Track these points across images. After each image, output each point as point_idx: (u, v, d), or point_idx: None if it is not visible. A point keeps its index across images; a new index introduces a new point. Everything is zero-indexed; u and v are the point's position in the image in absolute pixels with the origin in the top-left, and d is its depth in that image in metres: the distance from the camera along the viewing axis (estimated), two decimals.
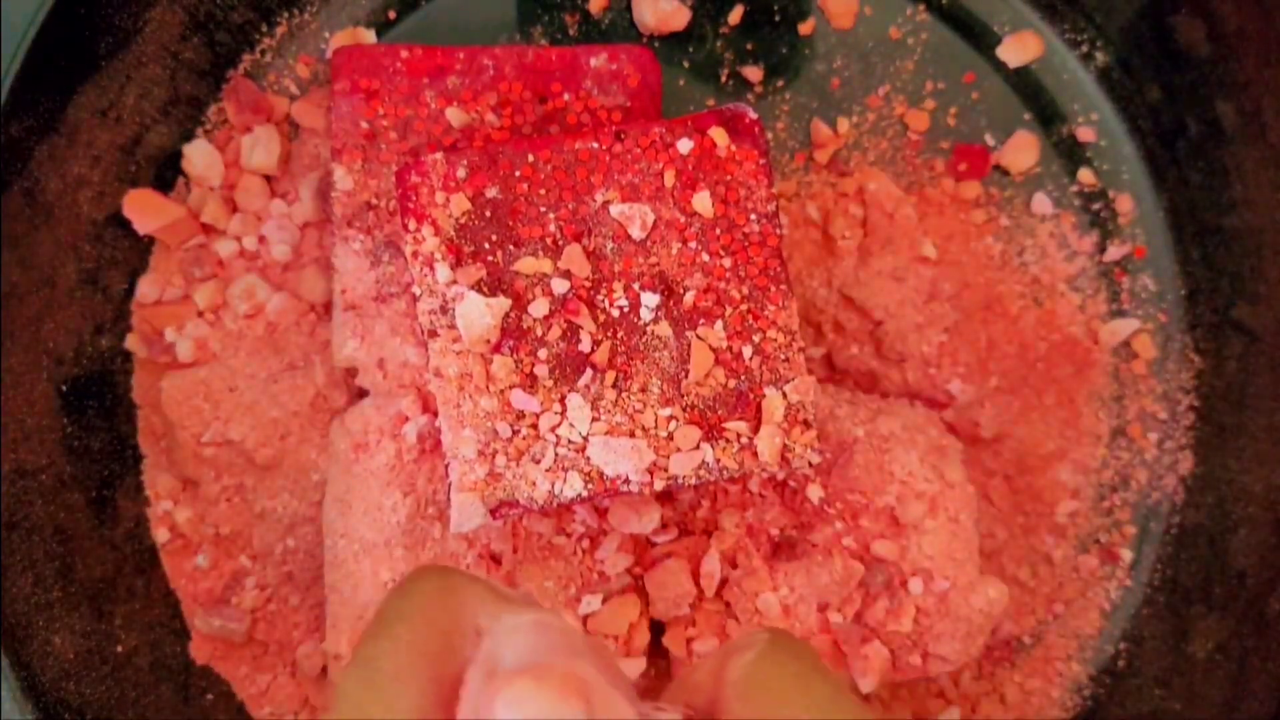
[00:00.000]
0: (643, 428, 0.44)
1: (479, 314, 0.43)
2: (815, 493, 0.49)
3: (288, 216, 0.53)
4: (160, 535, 0.53)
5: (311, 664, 0.52)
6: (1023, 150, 0.56)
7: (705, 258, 0.45)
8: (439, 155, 0.45)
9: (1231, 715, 0.50)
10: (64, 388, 0.51)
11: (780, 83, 0.56)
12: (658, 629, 0.50)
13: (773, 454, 0.44)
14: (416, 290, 0.44)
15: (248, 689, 0.52)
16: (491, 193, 0.45)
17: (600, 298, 0.44)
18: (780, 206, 0.47)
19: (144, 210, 0.52)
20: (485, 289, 0.44)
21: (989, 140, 0.57)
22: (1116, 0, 0.55)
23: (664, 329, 0.44)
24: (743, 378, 0.44)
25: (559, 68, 0.51)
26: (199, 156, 0.53)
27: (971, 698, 0.54)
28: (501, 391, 0.44)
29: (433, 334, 0.44)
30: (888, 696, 0.53)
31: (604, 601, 0.49)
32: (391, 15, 0.56)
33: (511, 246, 0.44)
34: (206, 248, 0.53)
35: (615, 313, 0.44)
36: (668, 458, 0.44)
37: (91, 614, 0.50)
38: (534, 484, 0.43)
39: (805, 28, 0.56)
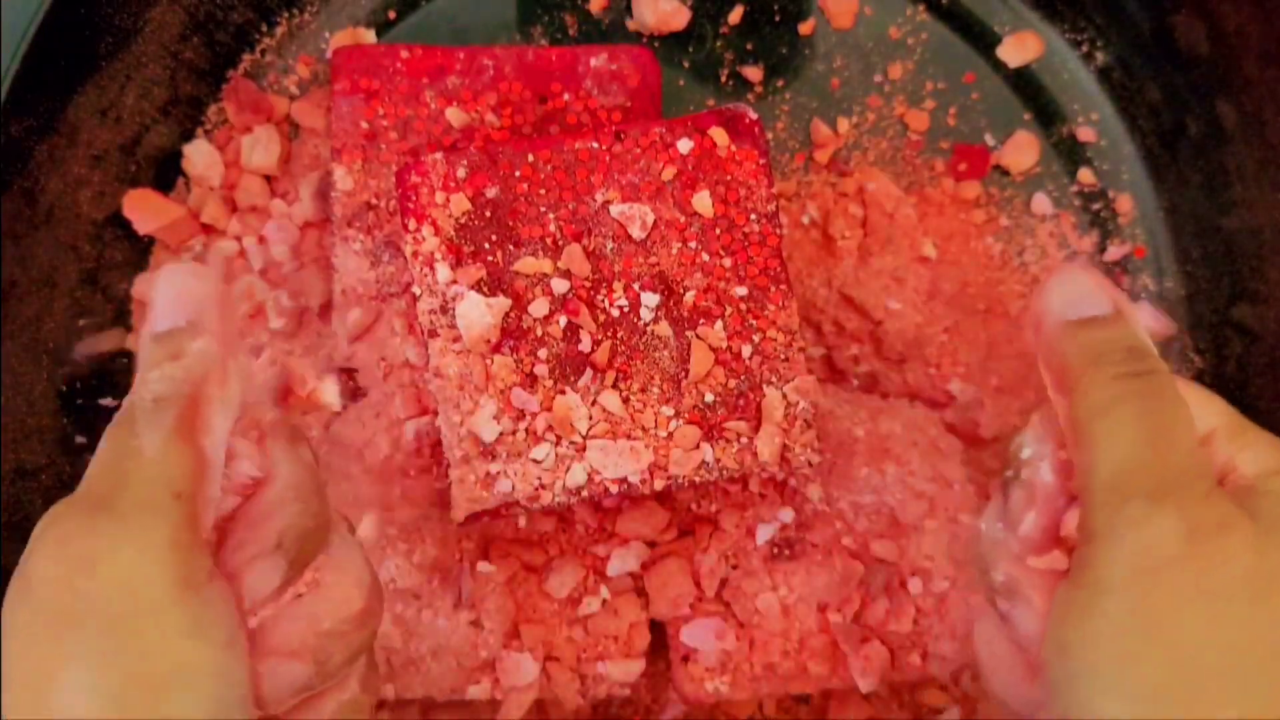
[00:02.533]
0: (642, 427, 0.44)
1: (479, 314, 0.43)
2: (815, 493, 0.49)
3: (288, 216, 0.53)
4: None
5: None
6: (1023, 150, 0.56)
7: (705, 258, 0.45)
8: (439, 155, 0.45)
9: None
10: (64, 388, 0.51)
11: (780, 83, 0.56)
12: (658, 629, 0.50)
13: (773, 454, 0.44)
14: (416, 290, 0.44)
15: None
16: (491, 193, 0.45)
17: (600, 298, 0.44)
18: (780, 206, 0.47)
19: (144, 210, 0.52)
20: (485, 289, 0.44)
21: (989, 140, 0.57)
22: (1116, 0, 0.55)
23: (664, 329, 0.44)
24: (743, 377, 0.44)
25: (559, 68, 0.51)
26: (199, 156, 0.53)
27: (972, 698, 0.53)
28: (501, 391, 0.44)
29: (433, 334, 0.44)
30: (887, 696, 0.53)
31: (604, 602, 0.49)
32: (391, 15, 0.56)
33: (511, 246, 0.44)
34: (207, 248, 0.53)
35: (615, 312, 0.44)
36: (667, 457, 0.44)
37: None
38: (534, 483, 0.43)
39: (805, 28, 0.56)
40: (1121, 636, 0.26)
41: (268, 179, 0.54)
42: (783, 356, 0.45)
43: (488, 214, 0.45)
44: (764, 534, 0.49)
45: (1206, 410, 0.31)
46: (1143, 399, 0.29)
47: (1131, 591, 0.26)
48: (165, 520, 0.28)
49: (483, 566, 0.48)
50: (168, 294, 0.32)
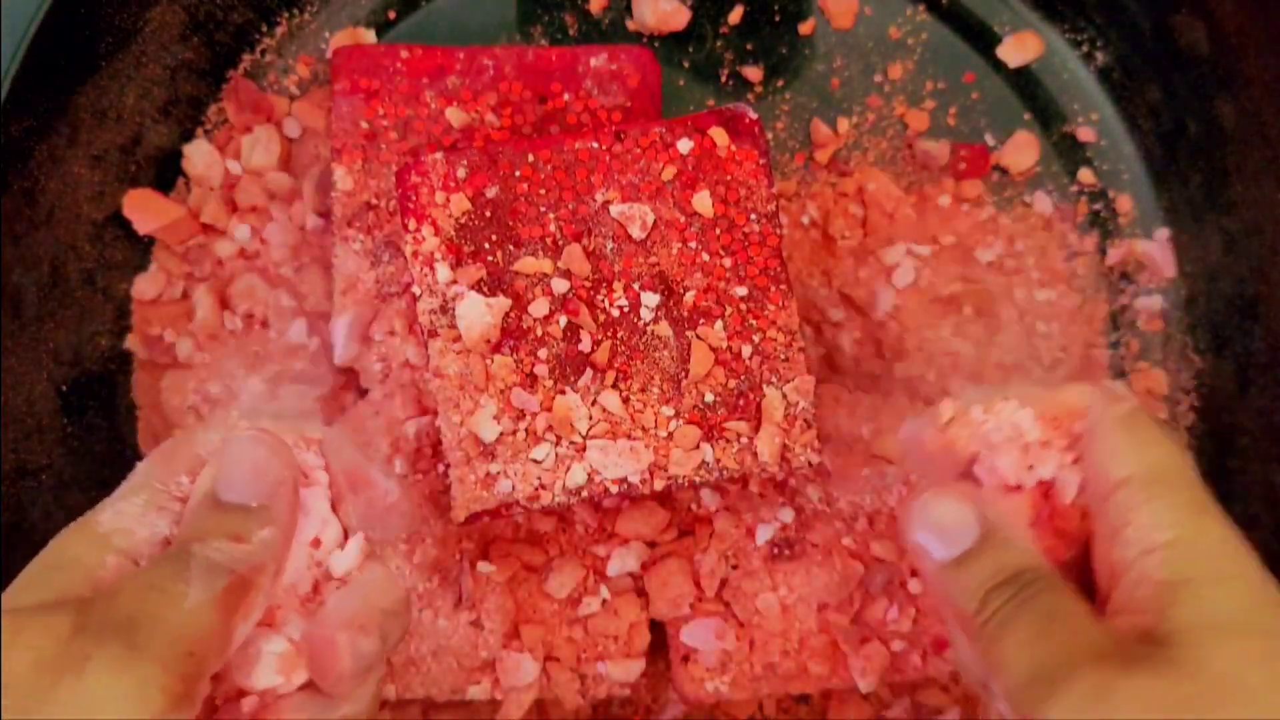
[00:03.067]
0: (642, 428, 0.44)
1: (479, 314, 0.43)
2: (815, 493, 0.49)
3: (288, 217, 0.53)
4: None
5: None
6: (1023, 150, 0.56)
7: (705, 257, 0.45)
8: (439, 155, 0.45)
9: None
10: (64, 388, 0.51)
11: (780, 83, 0.56)
12: (658, 629, 0.50)
13: (773, 454, 0.44)
14: (416, 290, 0.44)
15: None
16: (491, 193, 0.45)
17: (600, 297, 0.44)
18: (780, 206, 0.47)
19: (144, 210, 0.52)
20: (485, 289, 0.44)
21: (989, 140, 0.57)
22: (1116, 0, 0.55)
23: (664, 329, 0.44)
24: (743, 377, 0.44)
25: (559, 68, 0.51)
26: (199, 156, 0.53)
27: (972, 697, 0.54)
28: (501, 391, 0.44)
29: (433, 334, 0.44)
30: (888, 696, 0.53)
31: (604, 602, 0.49)
32: (391, 15, 0.56)
33: (511, 246, 0.44)
34: (206, 248, 0.53)
35: (615, 312, 0.44)
36: (667, 457, 0.44)
37: None
38: (534, 483, 0.43)
39: (805, 28, 0.56)
40: None
41: None
42: (783, 356, 0.45)
43: (488, 214, 0.45)
44: (764, 534, 0.49)
45: (1132, 455, 0.32)
46: (1029, 605, 0.30)
47: None
48: (171, 671, 0.27)
49: (483, 566, 0.48)
50: (244, 464, 0.32)
